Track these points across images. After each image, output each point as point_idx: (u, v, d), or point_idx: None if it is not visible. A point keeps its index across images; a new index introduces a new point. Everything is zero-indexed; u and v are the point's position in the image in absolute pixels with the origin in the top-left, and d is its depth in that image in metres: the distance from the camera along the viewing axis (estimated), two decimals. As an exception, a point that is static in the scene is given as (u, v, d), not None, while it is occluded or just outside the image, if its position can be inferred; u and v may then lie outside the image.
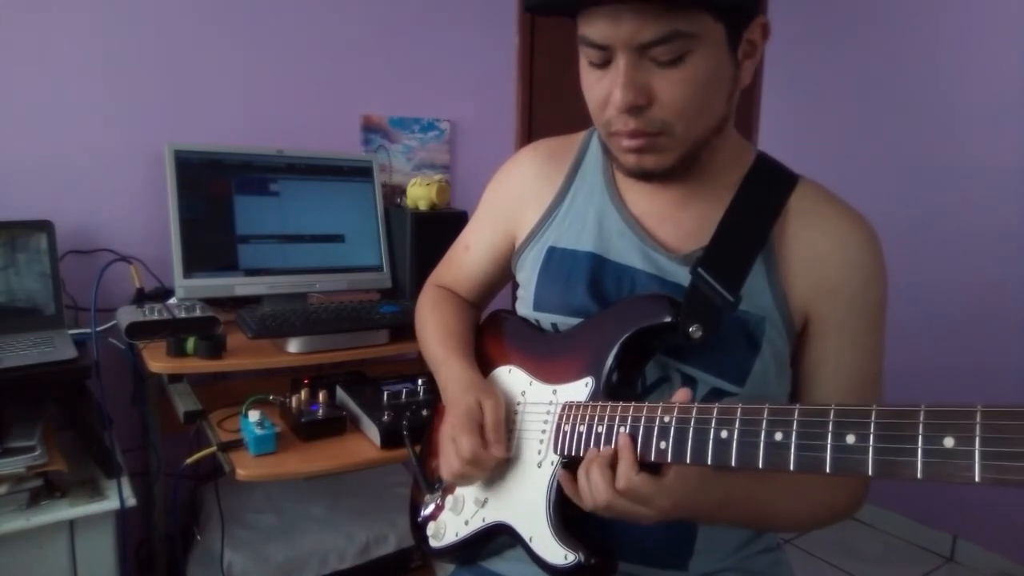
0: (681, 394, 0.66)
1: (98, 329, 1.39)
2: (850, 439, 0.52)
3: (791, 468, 0.55)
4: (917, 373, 2.15)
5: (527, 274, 0.92)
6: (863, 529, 2.47)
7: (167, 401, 1.52)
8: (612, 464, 0.68)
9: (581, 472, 0.70)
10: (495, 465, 0.82)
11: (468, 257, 1.04)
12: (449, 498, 0.90)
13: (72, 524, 1.30)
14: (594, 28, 0.70)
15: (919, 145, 2.31)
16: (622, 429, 0.69)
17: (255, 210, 1.62)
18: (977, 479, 0.44)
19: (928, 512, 2.36)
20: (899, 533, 2.43)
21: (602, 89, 0.73)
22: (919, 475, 0.47)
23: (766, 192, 0.81)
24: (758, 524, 0.83)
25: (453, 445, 0.81)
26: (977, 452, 0.45)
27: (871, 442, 0.51)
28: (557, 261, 0.88)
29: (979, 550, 2.24)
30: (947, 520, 2.31)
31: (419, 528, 0.94)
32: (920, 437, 0.48)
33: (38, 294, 1.50)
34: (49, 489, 1.30)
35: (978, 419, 0.45)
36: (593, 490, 0.68)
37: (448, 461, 0.82)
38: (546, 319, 0.88)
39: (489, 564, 0.92)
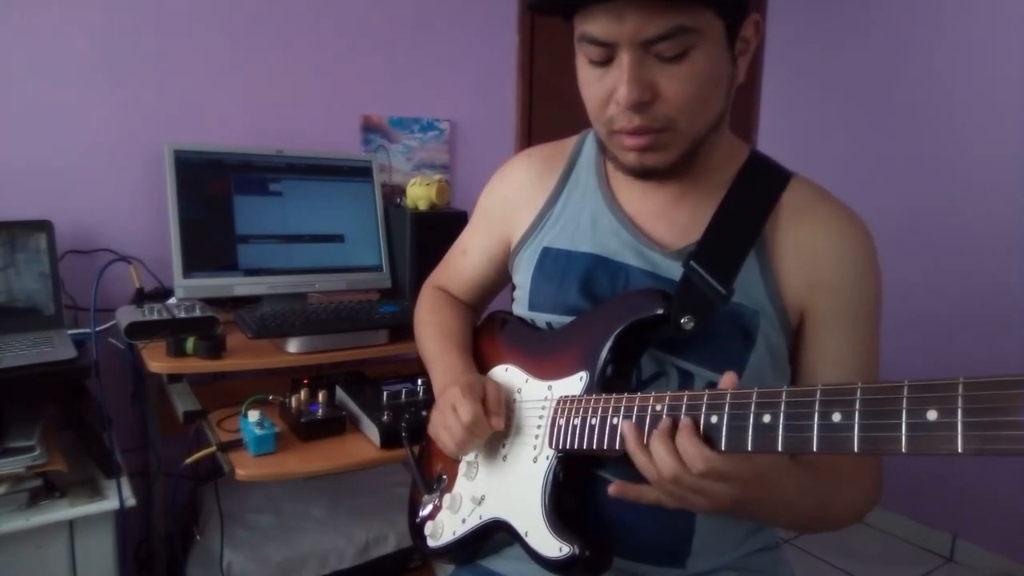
0: (727, 379, 0.64)
1: (98, 329, 1.39)
2: (836, 417, 0.52)
3: (779, 449, 0.56)
4: (915, 371, 2.14)
5: (522, 275, 0.93)
6: (863, 529, 2.47)
7: (167, 401, 1.52)
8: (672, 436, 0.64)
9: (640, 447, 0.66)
10: (490, 442, 0.83)
11: (465, 261, 1.06)
12: (447, 497, 0.90)
13: (72, 524, 1.30)
14: (596, 25, 0.70)
15: (918, 143, 2.31)
16: (615, 420, 0.69)
17: (255, 210, 1.63)
18: (960, 450, 0.45)
19: (928, 512, 2.35)
20: (899, 533, 2.42)
21: (603, 87, 0.74)
22: (903, 449, 0.48)
23: (759, 188, 0.82)
24: (807, 527, 0.82)
25: (453, 413, 0.81)
26: (959, 423, 0.46)
27: (856, 419, 0.51)
28: (551, 261, 0.89)
29: (979, 550, 2.23)
30: (947, 520, 2.31)
31: (417, 528, 0.94)
32: (904, 411, 0.49)
33: (38, 294, 1.50)
34: (49, 489, 1.30)
35: (960, 391, 0.46)
36: (659, 464, 0.63)
37: (450, 428, 0.82)
38: (541, 318, 0.89)
39: (488, 563, 0.92)
